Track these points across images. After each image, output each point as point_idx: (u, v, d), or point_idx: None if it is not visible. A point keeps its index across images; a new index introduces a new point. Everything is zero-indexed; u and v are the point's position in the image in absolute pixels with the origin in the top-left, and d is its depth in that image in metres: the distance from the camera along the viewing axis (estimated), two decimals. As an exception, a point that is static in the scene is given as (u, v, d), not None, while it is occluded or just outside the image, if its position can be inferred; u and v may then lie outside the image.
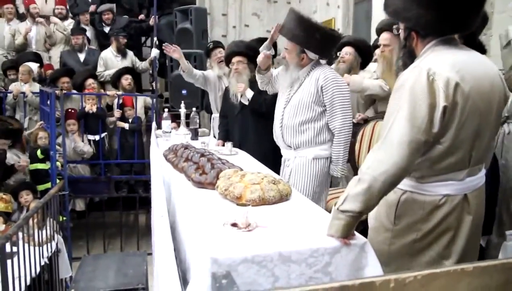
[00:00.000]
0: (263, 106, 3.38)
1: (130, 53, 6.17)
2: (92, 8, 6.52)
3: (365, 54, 3.62)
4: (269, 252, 1.40)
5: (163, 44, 4.13)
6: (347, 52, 3.56)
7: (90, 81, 5.61)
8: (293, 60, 2.72)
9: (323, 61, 2.85)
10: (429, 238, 1.64)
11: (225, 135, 3.66)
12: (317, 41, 2.62)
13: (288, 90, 2.78)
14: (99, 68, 5.96)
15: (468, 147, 1.57)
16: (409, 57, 1.68)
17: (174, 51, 4.02)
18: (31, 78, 5.52)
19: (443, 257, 1.65)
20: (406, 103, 1.48)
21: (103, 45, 6.29)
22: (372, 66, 3.82)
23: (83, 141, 5.27)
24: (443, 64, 1.51)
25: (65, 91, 5.18)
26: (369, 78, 3.41)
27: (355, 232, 1.54)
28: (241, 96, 3.49)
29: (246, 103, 3.47)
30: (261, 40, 4.04)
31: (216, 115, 4.45)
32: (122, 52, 6.00)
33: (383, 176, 1.44)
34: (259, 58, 3.01)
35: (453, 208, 1.61)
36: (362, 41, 3.73)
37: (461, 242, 1.64)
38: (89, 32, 6.40)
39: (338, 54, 3.59)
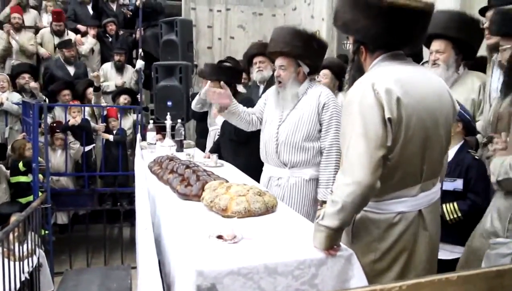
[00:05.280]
0: (232, 134, 3.27)
1: (130, 70, 6.25)
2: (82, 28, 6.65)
3: (340, 76, 3.61)
4: (255, 264, 1.39)
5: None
6: (324, 74, 3.55)
7: (91, 90, 5.60)
8: (290, 76, 2.65)
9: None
10: (388, 258, 1.62)
11: (215, 149, 3.61)
12: (314, 50, 2.62)
13: (281, 110, 2.71)
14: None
15: (418, 161, 1.58)
16: (357, 71, 1.69)
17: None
18: (9, 87, 5.45)
19: (403, 276, 1.62)
20: (358, 120, 1.49)
21: (107, 58, 6.44)
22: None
23: (66, 155, 5.21)
24: (386, 79, 1.52)
25: (48, 103, 5.12)
26: None
27: (341, 244, 1.54)
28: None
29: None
30: (229, 68, 3.71)
31: (211, 128, 4.29)
32: (119, 68, 6.13)
33: (351, 197, 1.45)
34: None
35: (409, 225, 1.61)
36: (337, 63, 3.74)
37: (420, 259, 1.63)
38: (96, 46, 6.57)
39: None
